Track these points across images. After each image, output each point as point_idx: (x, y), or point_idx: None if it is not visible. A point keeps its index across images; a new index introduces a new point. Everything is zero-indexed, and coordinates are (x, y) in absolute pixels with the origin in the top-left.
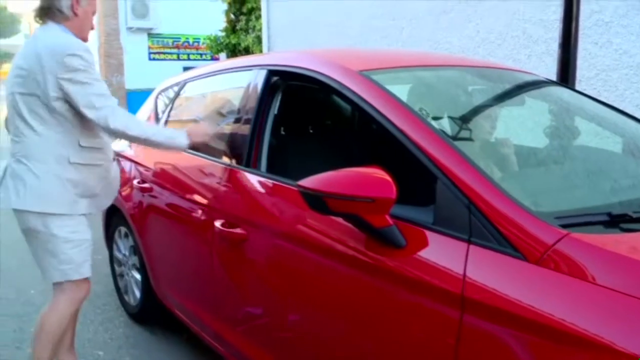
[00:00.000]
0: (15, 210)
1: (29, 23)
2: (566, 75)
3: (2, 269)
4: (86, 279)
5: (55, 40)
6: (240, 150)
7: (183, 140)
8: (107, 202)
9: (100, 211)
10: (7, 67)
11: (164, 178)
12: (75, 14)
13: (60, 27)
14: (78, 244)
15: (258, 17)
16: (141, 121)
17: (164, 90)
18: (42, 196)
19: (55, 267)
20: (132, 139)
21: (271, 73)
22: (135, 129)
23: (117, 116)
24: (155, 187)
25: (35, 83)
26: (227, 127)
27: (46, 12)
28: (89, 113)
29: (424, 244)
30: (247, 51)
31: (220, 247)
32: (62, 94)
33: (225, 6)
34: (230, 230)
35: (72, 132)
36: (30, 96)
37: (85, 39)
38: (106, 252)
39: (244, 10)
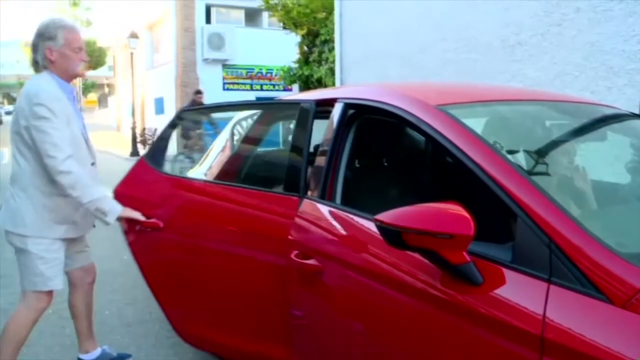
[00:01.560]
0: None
1: (113, 56)
2: None
3: None
4: (49, 293)
5: (32, 88)
6: (316, 181)
7: (111, 219)
8: (87, 229)
9: (82, 234)
10: (91, 96)
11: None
12: (51, 61)
13: (48, 74)
14: (49, 261)
15: (331, 49)
16: (87, 184)
17: (241, 120)
18: (18, 219)
19: (27, 278)
20: (71, 195)
21: (347, 106)
22: (77, 191)
23: (63, 174)
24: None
25: (18, 123)
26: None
27: (33, 65)
28: (44, 159)
29: (502, 282)
30: (319, 82)
31: (293, 279)
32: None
33: (298, 38)
34: (305, 261)
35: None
36: (15, 133)
37: (75, 76)
38: None
39: (318, 42)
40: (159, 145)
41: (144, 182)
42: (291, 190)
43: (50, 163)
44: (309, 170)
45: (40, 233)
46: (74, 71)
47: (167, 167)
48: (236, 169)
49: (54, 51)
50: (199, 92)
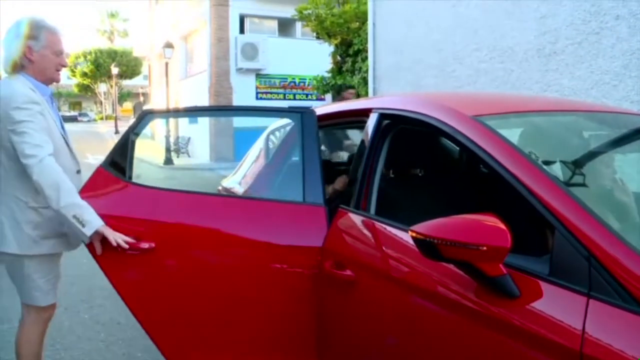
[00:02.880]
0: None
1: (148, 66)
2: None
3: (114, 295)
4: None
5: (7, 92)
6: (351, 191)
7: (88, 231)
8: (78, 244)
9: (73, 249)
10: (127, 105)
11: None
12: (31, 61)
13: (23, 76)
14: (46, 274)
15: (364, 59)
16: (69, 188)
17: (275, 130)
18: (3, 237)
19: (26, 292)
20: (49, 197)
21: (382, 116)
22: (55, 191)
23: (43, 172)
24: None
25: None
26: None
27: (9, 65)
28: (23, 160)
29: (539, 295)
30: None
31: (325, 290)
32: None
33: (332, 48)
34: (339, 271)
35: (29, 177)
36: None
37: (51, 80)
38: None
39: (351, 52)
40: (123, 153)
41: (109, 196)
42: (314, 201)
43: (29, 162)
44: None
45: (26, 250)
46: (51, 75)
47: (143, 178)
48: (261, 179)
49: (34, 51)
50: (350, 88)
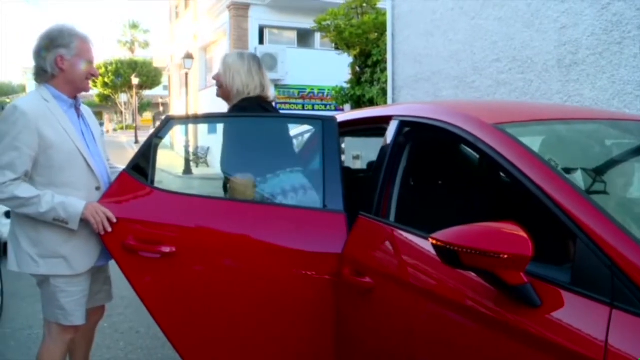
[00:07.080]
0: None
1: (168, 76)
2: None
3: (134, 304)
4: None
5: (14, 102)
6: (371, 198)
7: (74, 226)
8: (87, 264)
9: (78, 272)
10: (146, 115)
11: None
12: (62, 69)
13: (45, 88)
14: (72, 294)
15: (383, 70)
16: (29, 202)
17: (295, 137)
18: (11, 252)
19: (49, 309)
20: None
21: (403, 124)
22: (23, 210)
23: (6, 199)
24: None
25: None
26: (358, 175)
27: (37, 74)
28: None
29: (560, 304)
30: (371, 103)
31: (344, 297)
32: None
33: (350, 59)
34: (358, 279)
35: None
36: None
37: (81, 90)
38: None
39: (369, 62)
40: (146, 157)
41: (131, 200)
42: (334, 207)
43: None
44: (365, 186)
45: (26, 270)
46: (81, 84)
47: (165, 183)
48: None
49: (65, 60)
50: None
